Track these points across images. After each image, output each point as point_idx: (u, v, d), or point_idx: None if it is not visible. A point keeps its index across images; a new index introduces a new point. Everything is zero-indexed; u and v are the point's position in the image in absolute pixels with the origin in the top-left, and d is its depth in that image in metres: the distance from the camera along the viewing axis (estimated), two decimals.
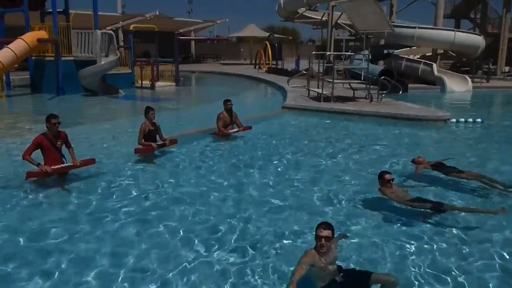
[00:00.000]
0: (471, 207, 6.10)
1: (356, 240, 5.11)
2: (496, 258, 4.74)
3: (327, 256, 3.95)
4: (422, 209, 5.80)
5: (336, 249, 4.33)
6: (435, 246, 5.01)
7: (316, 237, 3.94)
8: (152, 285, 4.17)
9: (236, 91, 20.68)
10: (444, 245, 5.04)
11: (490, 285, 4.28)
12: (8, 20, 20.21)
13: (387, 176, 6.03)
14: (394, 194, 5.95)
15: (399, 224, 5.59)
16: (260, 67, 33.08)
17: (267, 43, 34.01)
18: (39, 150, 6.80)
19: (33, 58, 18.85)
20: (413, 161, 7.57)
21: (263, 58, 33.29)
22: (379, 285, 3.92)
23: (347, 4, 17.40)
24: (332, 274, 3.96)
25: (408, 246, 5.01)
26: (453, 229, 5.46)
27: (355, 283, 3.93)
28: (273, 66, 31.74)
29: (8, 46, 16.63)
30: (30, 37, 17.37)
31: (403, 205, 5.89)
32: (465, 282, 4.30)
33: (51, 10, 18.54)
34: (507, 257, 4.77)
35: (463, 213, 5.78)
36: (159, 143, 8.65)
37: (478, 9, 32.05)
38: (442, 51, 26.83)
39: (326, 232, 3.89)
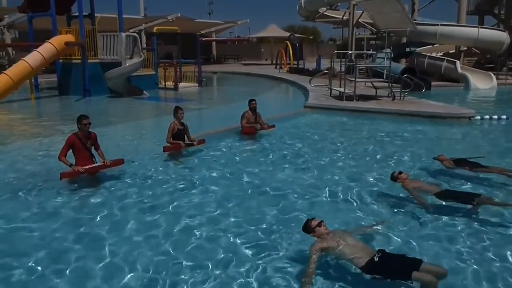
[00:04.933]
0: (505, 202, 6.10)
1: (385, 235, 5.21)
2: None
3: (334, 236, 4.38)
4: (452, 202, 5.89)
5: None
6: (464, 239, 5.11)
7: (315, 230, 4.46)
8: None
9: (258, 91, 20.82)
10: (475, 238, 5.12)
11: None
12: (36, 24, 20.78)
13: (395, 174, 6.38)
14: (419, 187, 6.12)
15: (427, 218, 5.67)
16: (281, 67, 33.16)
17: (288, 43, 34.04)
18: (70, 151, 7.08)
19: (61, 61, 19.31)
20: (435, 158, 7.65)
21: (284, 58, 33.36)
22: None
23: (368, 3, 17.37)
24: (369, 254, 4.18)
25: (438, 240, 5.10)
26: (486, 222, 5.54)
27: (401, 267, 4.01)
28: (294, 66, 31.77)
29: (37, 49, 17.10)
30: (58, 40, 17.81)
31: (432, 197, 6.01)
32: (496, 276, 4.37)
33: (77, 14, 19.02)
34: None
35: (495, 207, 5.80)
36: (187, 142, 8.85)
37: (502, 4, 31.49)
38: (466, 48, 26.47)
39: (317, 220, 4.50)
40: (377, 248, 4.43)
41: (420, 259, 4.14)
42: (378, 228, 5.30)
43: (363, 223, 5.54)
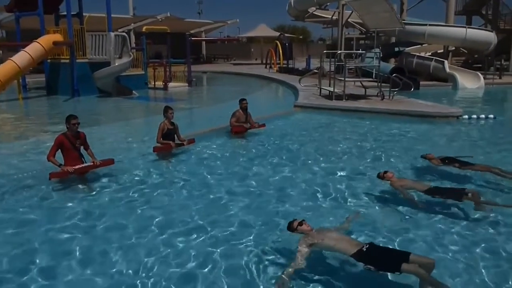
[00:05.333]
0: (492, 201, 6.13)
1: (374, 232, 5.26)
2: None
3: (319, 232, 4.48)
4: (440, 199, 5.96)
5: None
6: (454, 235, 5.20)
7: (297, 229, 4.60)
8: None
9: (248, 90, 20.80)
10: (464, 234, 5.22)
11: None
12: (24, 24, 20.57)
13: (380, 174, 6.50)
14: (406, 185, 6.23)
15: (416, 215, 5.75)
16: (271, 67, 33.20)
17: (278, 42, 34.09)
18: (59, 151, 7.04)
19: (49, 60, 19.16)
20: (423, 157, 7.72)
21: (274, 58, 33.41)
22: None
23: (358, 3, 17.46)
24: (357, 245, 4.25)
25: (427, 236, 5.17)
26: (474, 218, 5.63)
27: (390, 259, 4.07)
28: (284, 65, 31.82)
29: (25, 49, 16.94)
30: (46, 40, 17.66)
31: (421, 194, 6.12)
32: (481, 273, 4.42)
33: (65, 13, 18.87)
34: None
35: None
36: (177, 142, 8.84)
37: (489, 5, 31.82)
38: (454, 48, 26.71)
39: (299, 220, 4.66)
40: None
41: (408, 252, 4.19)
42: (356, 219, 5.43)
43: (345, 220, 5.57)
